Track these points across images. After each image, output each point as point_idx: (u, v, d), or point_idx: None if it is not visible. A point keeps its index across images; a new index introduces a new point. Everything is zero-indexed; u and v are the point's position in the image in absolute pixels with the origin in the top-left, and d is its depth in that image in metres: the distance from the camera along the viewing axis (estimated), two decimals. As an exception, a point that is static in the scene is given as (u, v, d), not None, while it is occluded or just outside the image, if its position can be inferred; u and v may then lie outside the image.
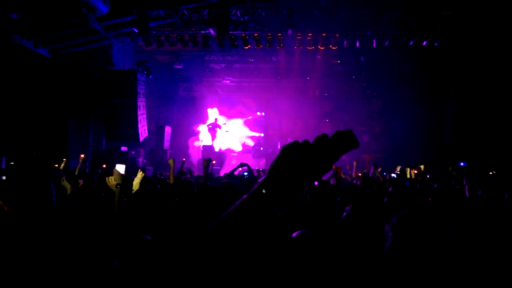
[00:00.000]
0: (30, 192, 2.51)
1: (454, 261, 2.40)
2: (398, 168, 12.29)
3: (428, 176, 10.49)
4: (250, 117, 24.62)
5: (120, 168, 7.57)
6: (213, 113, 23.43)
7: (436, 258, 2.20)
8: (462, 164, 11.99)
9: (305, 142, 1.47)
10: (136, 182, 5.76)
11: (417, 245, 2.24)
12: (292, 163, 1.44)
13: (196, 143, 22.40)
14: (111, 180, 4.74)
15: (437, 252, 2.21)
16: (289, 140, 22.82)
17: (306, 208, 4.67)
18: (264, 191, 1.47)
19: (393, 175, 12.09)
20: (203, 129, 22.99)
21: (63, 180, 6.01)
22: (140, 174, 5.86)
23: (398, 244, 2.29)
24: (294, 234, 2.99)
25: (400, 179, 9.92)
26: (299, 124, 24.01)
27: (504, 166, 12.80)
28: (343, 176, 10.69)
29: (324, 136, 1.53)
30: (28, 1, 11.70)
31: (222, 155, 21.26)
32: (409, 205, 4.96)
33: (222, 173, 14.04)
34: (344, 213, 4.00)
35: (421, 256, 2.22)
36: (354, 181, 10.01)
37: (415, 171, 11.38)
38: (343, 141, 1.51)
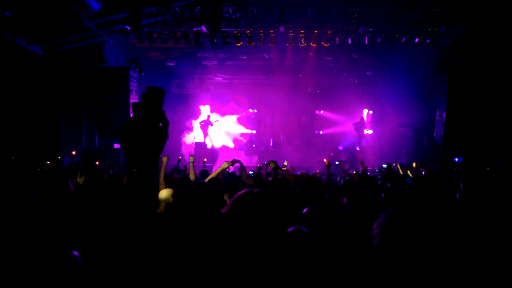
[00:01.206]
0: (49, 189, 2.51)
1: (443, 262, 2.44)
2: (393, 165, 12.36)
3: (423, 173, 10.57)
4: (243, 113, 24.67)
5: None
6: (205, 110, 23.43)
7: (423, 258, 2.23)
8: (457, 159, 12.04)
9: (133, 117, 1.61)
10: None
11: (403, 244, 2.26)
12: (133, 138, 1.56)
13: (188, 138, 22.38)
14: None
15: (425, 252, 2.23)
16: (282, 137, 22.95)
17: (296, 206, 4.74)
18: (134, 169, 1.59)
19: (384, 165, 12.14)
20: (195, 124, 22.98)
21: (79, 176, 6.07)
22: None
23: (384, 243, 2.32)
24: (289, 230, 3.05)
25: (399, 175, 9.95)
26: (291, 120, 24.11)
27: (498, 162, 12.87)
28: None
29: (135, 104, 1.67)
30: (21, -1, 11.68)
31: (214, 152, 21.30)
32: (404, 202, 5.02)
33: (214, 170, 14.07)
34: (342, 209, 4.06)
35: (407, 255, 2.24)
36: (344, 179, 10.05)
37: (408, 170, 11.46)
38: (151, 96, 1.64)
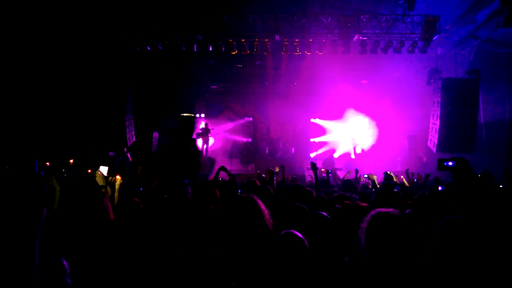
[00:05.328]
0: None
1: (427, 268, 2.48)
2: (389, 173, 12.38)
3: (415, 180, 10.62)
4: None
5: (103, 170, 7.42)
6: (201, 119, 23.43)
7: (405, 262, 2.28)
8: (450, 163, 11.96)
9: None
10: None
11: (384, 249, 2.31)
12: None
13: None
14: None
15: (405, 256, 2.28)
16: (277, 145, 22.97)
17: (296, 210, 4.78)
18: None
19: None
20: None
21: (51, 180, 5.39)
22: (118, 180, 5.45)
23: (369, 247, 2.38)
24: (280, 234, 3.09)
25: (386, 183, 9.96)
26: (287, 128, 24.16)
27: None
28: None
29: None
30: None
31: (211, 160, 21.29)
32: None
33: (210, 178, 14.05)
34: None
35: (390, 260, 2.30)
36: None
37: (403, 176, 11.51)
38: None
